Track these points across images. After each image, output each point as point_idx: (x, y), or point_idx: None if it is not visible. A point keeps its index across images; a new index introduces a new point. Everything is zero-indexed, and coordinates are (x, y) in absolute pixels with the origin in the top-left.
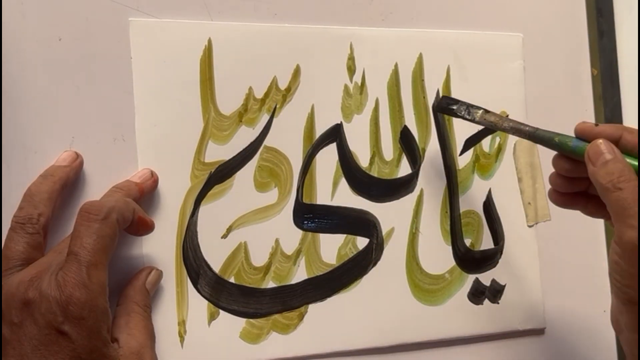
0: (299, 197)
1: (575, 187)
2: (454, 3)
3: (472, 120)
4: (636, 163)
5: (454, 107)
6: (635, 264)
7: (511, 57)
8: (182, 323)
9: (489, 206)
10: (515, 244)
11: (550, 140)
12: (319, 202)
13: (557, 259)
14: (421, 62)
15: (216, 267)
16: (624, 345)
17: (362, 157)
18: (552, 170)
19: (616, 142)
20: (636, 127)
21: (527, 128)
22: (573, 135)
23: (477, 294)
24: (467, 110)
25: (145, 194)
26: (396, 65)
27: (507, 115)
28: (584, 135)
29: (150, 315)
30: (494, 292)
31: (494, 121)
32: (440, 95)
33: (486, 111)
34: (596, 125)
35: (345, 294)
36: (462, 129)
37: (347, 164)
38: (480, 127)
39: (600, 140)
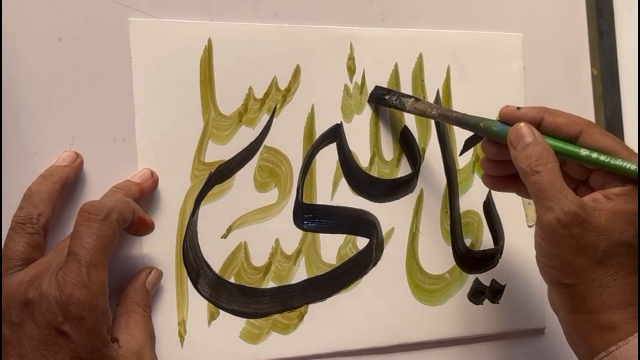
0: (299, 197)
1: (505, 170)
2: (454, 3)
3: (403, 109)
4: (557, 144)
5: (386, 97)
6: (555, 244)
7: (511, 57)
8: (182, 323)
9: (489, 206)
10: (515, 244)
11: (475, 125)
12: (319, 202)
13: None
14: (421, 62)
15: (216, 267)
16: (562, 325)
17: (362, 157)
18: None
19: (538, 124)
20: (636, 127)
21: (455, 114)
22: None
23: (477, 294)
24: (399, 100)
25: (145, 194)
26: (396, 65)
27: (425, 98)
28: (507, 119)
29: (150, 315)
30: (494, 292)
31: (423, 109)
32: (441, 95)
33: (416, 99)
34: (518, 108)
35: (345, 294)
36: (462, 129)
37: (347, 164)
38: None
39: (522, 124)
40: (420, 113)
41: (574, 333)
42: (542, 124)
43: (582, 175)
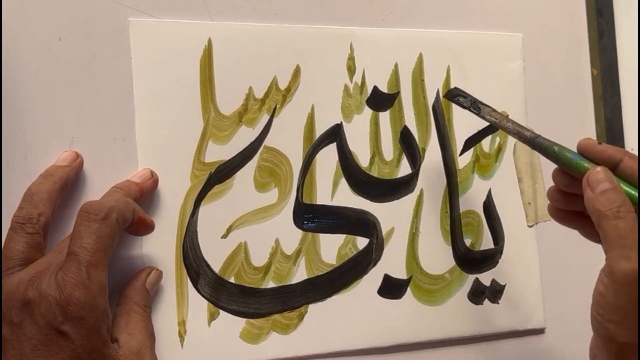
0: (299, 197)
1: (572, 204)
2: (454, 3)
3: (478, 114)
4: (634, 193)
5: (461, 99)
6: (622, 297)
7: (511, 57)
8: (182, 323)
9: (489, 206)
10: (515, 244)
11: (548, 148)
12: (319, 202)
13: (557, 259)
14: (421, 62)
15: (216, 267)
16: None
17: (362, 157)
18: (552, 170)
19: (616, 165)
20: (636, 127)
21: (528, 133)
22: (574, 149)
23: (477, 294)
24: (475, 105)
25: (145, 194)
26: (396, 65)
27: (508, 115)
28: (585, 152)
29: (150, 315)
30: (494, 292)
31: (498, 119)
32: (441, 95)
33: (493, 110)
34: (599, 143)
35: (345, 294)
36: (462, 129)
37: (347, 164)
38: (480, 128)
39: (601, 168)
40: (494, 122)
41: None
42: (619, 166)
43: None
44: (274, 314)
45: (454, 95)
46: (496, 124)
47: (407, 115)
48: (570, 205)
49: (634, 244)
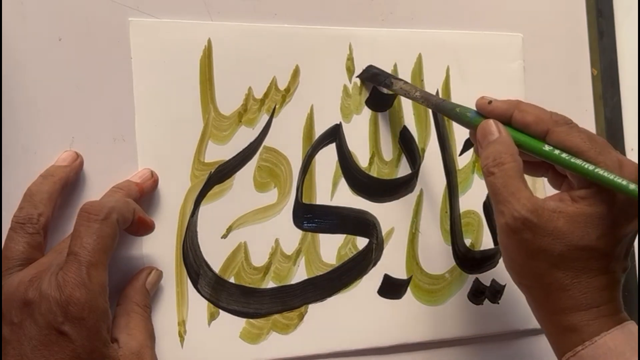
0: (299, 197)
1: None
2: (454, 3)
3: (389, 87)
4: (524, 139)
5: (378, 76)
6: (508, 248)
7: (511, 57)
8: (182, 323)
9: (489, 206)
10: None
11: (451, 110)
12: (319, 202)
13: None
14: (421, 62)
15: (216, 267)
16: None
17: (362, 157)
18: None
19: (509, 119)
20: (636, 127)
21: (435, 98)
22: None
23: (477, 294)
24: (388, 79)
25: (145, 194)
26: (395, 66)
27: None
28: (481, 112)
29: (150, 316)
30: (494, 292)
31: (407, 90)
32: (440, 95)
33: (405, 82)
34: (490, 102)
35: (345, 294)
36: (462, 129)
37: (347, 164)
38: None
39: (489, 121)
40: (405, 93)
41: (545, 329)
42: (512, 120)
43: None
44: (274, 314)
45: (370, 72)
46: (407, 96)
47: (406, 115)
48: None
49: (505, 199)
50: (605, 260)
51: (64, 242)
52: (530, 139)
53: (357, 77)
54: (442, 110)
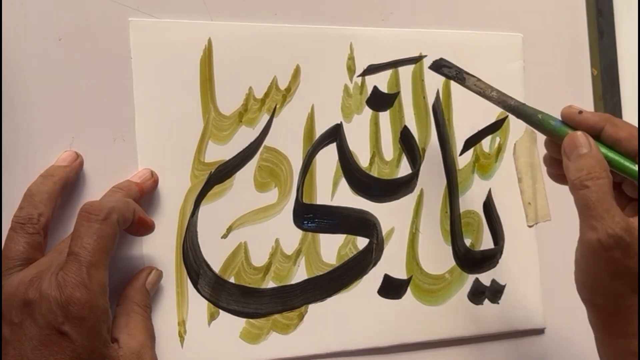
0: (299, 197)
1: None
2: (454, 3)
3: (462, 84)
4: (616, 157)
5: (447, 70)
6: (593, 265)
7: (511, 57)
8: (182, 323)
9: (489, 206)
10: (515, 244)
11: (532, 116)
12: (319, 202)
13: (557, 259)
14: (421, 62)
15: (216, 267)
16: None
17: (362, 157)
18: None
19: (598, 133)
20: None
21: (513, 101)
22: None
23: (477, 294)
24: (460, 74)
25: (145, 194)
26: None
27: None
28: (567, 121)
29: (150, 316)
30: (494, 292)
31: (483, 88)
32: (440, 95)
33: (478, 79)
34: (580, 112)
35: (345, 294)
36: (462, 129)
37: (347, 164)
38: (480, 128)
39: (578, 133)
40: (479, 91)
41: (603, 351)
42: (602, 134)
43: (636, 194)
44: (274, 314)
45: (440, 66)
46: (481, 94)
47: (407, 115)
48: (562, 170)
49: (599, 214)
50: None
51: (64, 242)
52: (623, 158)
53: (429, 68)
54: (521, 115)
